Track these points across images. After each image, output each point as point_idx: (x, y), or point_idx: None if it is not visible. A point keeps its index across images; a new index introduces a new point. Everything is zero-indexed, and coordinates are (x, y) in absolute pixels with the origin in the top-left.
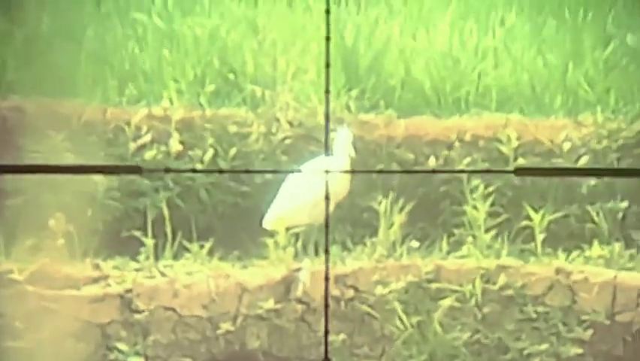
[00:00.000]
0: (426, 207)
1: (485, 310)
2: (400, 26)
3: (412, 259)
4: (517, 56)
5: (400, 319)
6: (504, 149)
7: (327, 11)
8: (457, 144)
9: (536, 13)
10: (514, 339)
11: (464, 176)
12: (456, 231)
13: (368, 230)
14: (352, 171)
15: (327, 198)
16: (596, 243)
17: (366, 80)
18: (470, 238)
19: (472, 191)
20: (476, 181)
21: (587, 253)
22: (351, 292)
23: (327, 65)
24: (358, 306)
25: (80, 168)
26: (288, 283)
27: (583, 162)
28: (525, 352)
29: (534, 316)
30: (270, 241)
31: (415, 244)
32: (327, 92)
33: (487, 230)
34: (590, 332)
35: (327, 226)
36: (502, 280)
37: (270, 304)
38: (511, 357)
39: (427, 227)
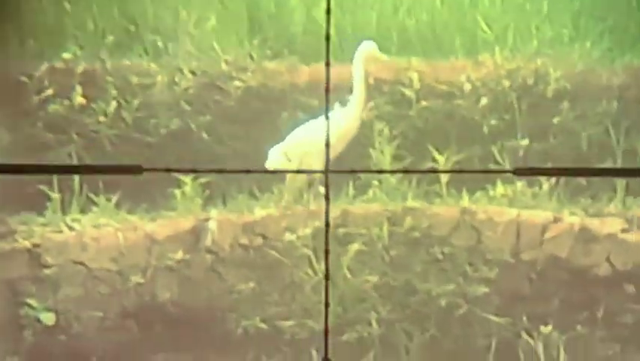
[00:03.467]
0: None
1: (392, 252)
2: None
3: (319, 204)
4: None
5: (310, 265)
6: (407, 92)
7: (328, 11)
8: None
9: None
10: (421, 280)
11: (371, 120)
12: (362, 175)
13: (275, 177)
14: (352, 172)
15: (327, 198)
16: (499, 182)
17: (267, 29)
18: (376, 182)
19: (378, 134)
20: (380, 124)
21: (491, 192)
22: (259, 240)
23: (327, 64)
24: (267, 253)
25: (80, 168)
26: (196, 234)
27: (483, 102)
28: (432, 293)
29: (440, 257)
30: (177, 192)
31: (321, 189)
32: (327, 91)
33: (392, 173)
34: (495, 271)
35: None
36: (408, 222)
37: (179, 255)
38: (419, 299)
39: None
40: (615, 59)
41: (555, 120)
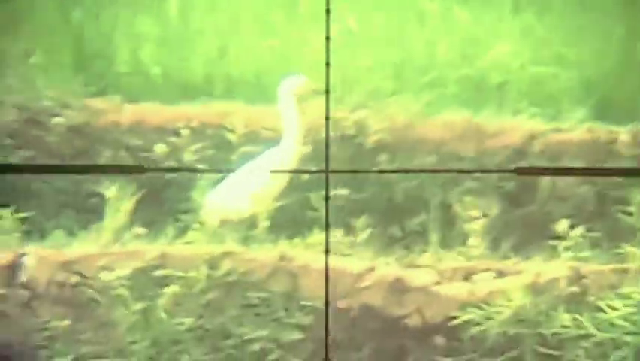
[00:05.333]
0: (153, 194)
1: (209, 295)
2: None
3: (138, 245)
4: (242, 41)
5: (125, 305)
6: (230, 136)
7: (328, 11)
8: (183, 131)
9: None
10: (236, 325)
11: (192, 162)
12: (182, 217)
13: (94, 215)
14: (352, 172)
15: (326, 199)
16: (316, 229)
17: (92, 66)
18: (197, 225)
19: (200, 177)
20: (203, 167)
21: (309, 239)
22: (76, 278)
23: (327, 64)
24: (83, 291)
25: (80, 168)
26: (13, 268)
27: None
28: (246, 337)
29: (256, 301)
30: None
31: (141, 230)
32: (327, 92)
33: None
34: (310, 317)
35: (326, 225)
36: (226, 265)
37: None
38: (233, 343)
39: (154, 213)
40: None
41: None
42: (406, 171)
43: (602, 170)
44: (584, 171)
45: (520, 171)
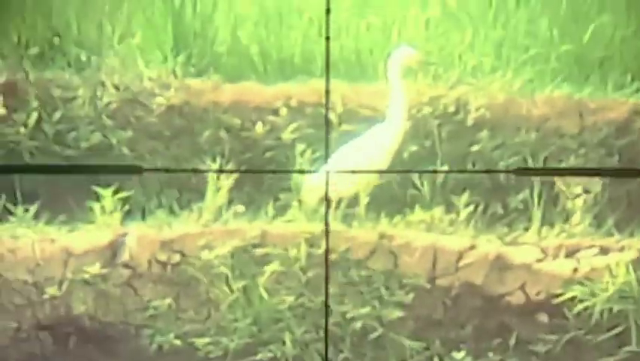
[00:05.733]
0: (252, 172)
1: (309, 274)
2: None
3: (238, 223)
4: (341, 22)
5: (227, 283)
6: (329, 115)
7: (328, 11)
8: (283, 109)
9: None
10: (337, 303)
11: (290, 141)
12: (281, 195)
13: (195, 195)
14: (352, 172)
15: (326, 199)
16: (417, 207)
17: (192, 45)
18: (295, 203)
19: (301, 154)
20: (302, 145)
21: (409, 217)
22: (177, 257)
23: (327, 65)
24: (184, 270)
25: (80, 168)
26: (114, 248)
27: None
28: (348, 315)
29: (357, 279)
30: (96, 206)
31: (240, 208)
32: (327, 92)
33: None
34: (411, 295)
35: (327, 227)
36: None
37: (96, 268)
38: (334, 321)
39: (253, 192)
40: (536, 90)
41: (474, 149)
42: (407, 171)
43: (604, 169)
44: (584, 171)
45: (518, 173)
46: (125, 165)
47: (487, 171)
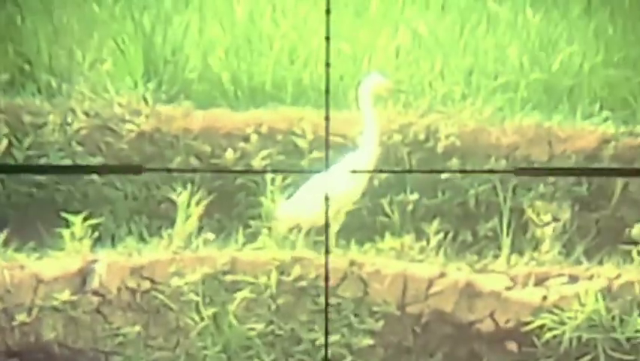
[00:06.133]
0: (222, 199)
1: (279, 301)
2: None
3: (208, 250)
4: (312, 48)
5: (197, 310)
6: (300, 142)
7: (328, 11)
8: (253, 136)
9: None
10: (307, 330)
11: (261, 168)
12: (252, 222)
13: (165, 221)
14: (352, 172)
15: (326, 198)
16: (387, 235)
17: (163, 72)
18: (266, 230)
19: (271, 182)
20: (272, 174)
21: (379, 244)
22: (147, 284)
23: (327, 65)
24: (154, 297)
25: (80, 168)
26: (84, 275)
27: None
28: (317, 343)
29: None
30: (66, 232)
31: (210, 236)
32: (327, 92)
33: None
34: (381, 323)
35: (326, 226)
36: (296, 271)
37: (66, 295)
38: (304, 348)
39: (224, 219)
40: (505, 118)
41: (443, 176)
42: (408, 172)
43: (601, 170)
44: (583, 171)
45: (518, 173)
46: (125, 165)
47: (487, 171)
